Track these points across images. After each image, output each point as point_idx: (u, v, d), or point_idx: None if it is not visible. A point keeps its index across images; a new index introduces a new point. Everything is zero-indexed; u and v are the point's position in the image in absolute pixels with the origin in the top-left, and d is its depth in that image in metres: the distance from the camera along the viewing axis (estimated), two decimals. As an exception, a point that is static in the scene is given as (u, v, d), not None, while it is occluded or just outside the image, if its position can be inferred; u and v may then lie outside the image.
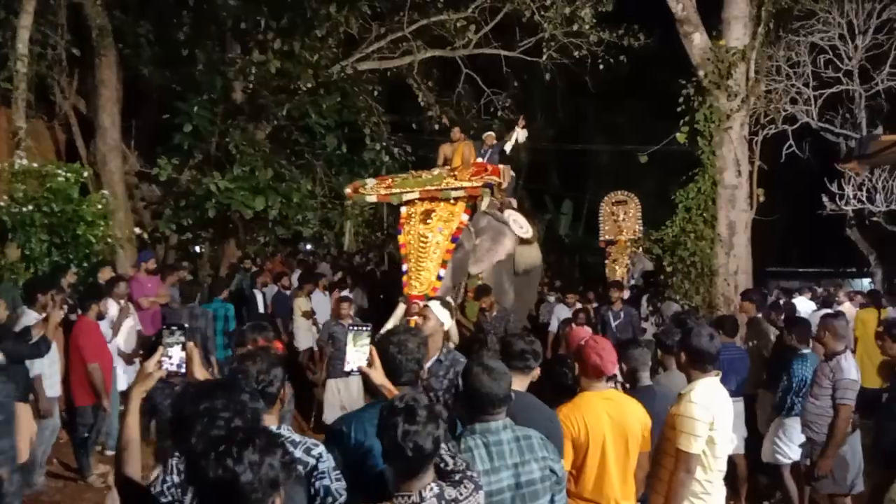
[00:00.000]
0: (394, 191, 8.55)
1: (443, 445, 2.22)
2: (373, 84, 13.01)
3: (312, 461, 2.49)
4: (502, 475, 2.59)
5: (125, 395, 4.24)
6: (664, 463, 3.43)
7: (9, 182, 7.63)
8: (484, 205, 8.34)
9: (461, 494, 2.20)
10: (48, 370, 5.51)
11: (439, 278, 7.71)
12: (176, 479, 2.14)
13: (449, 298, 6.80)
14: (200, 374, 2.54)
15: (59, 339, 5.87)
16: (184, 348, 2.54)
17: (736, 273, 8.57)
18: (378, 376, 2.72)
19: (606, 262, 15.29)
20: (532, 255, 9.04)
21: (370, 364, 2.75)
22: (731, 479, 4.38)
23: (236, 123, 11.12)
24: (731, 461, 4.07)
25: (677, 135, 8.76)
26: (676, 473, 3.33)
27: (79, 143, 10.39)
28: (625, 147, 16.41)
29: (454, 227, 8.04)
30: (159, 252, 11.31)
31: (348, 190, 9.09)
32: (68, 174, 7.82)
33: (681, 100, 8.78)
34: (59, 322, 5.68)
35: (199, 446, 1.64)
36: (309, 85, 11.10)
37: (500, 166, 9.15)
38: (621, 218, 15.76)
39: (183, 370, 2.50)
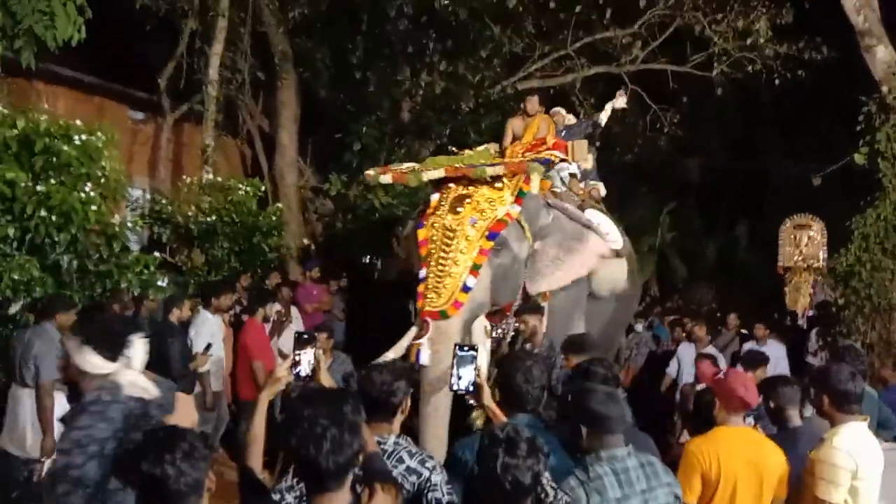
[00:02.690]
0: (417, 169, 6.43)
1: (544, 477, 2.22)
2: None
3: (426, 472, 2.57)
4: (632, 502, 2.56)
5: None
6: (802, 511, 3.23)
7: (197, 194, 8.50)
8: (533, 186, 6.07)
9: None
10: (213, 367, 6.07)
11: (466, 289, 5.43)
12: (290, 481, 2.34)
13: (482, 323, 5.47)
14: (326, 381, 2.74)
15: (228, 338, 6.49)
16: (314, 356, 2.75)
17: (916, 308, 7.74)
18: (485, 398, 2.78)
19: (786, 289, 14.31)
20: (619, 275, 6.62)
21: (478, 386, 2.81)
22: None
23: (402, 142, 11.64)
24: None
25: (855, 156, 8.09)
26: (815, 522, 3.12)
27: (260, 159, 11.34)
28: (803, 166, 15.33)
29: (494, 220, 5.73)
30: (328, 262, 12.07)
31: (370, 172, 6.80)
32: (248, 188, 8.60)
33: (861, 118, 8.13)
34: (230, 321, 6.31)
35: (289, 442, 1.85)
36: (471, 104, 11.39)
37: (571, 142, 6.97)
38: (803, 243, 14.69)
39: (311, 376, 2.72)
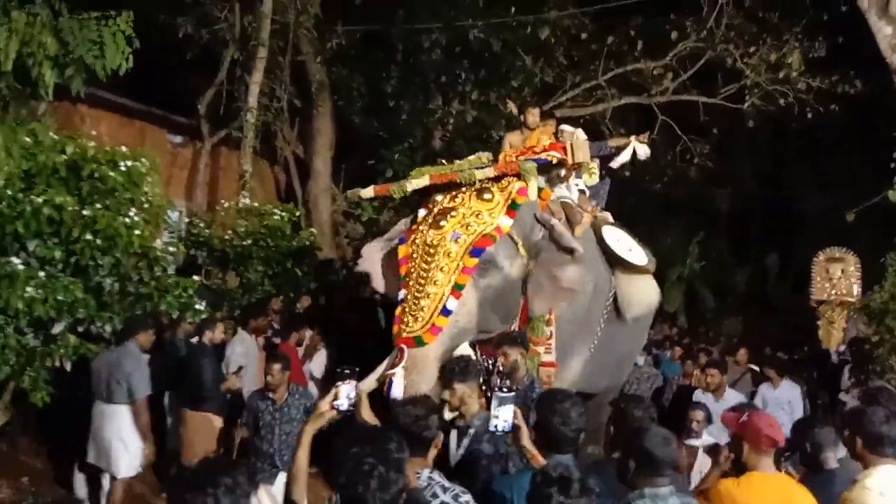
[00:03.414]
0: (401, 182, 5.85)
1: None
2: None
3: None
4: None
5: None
6: (835, 554, 3.21)
7: (234, 218, 8.67)
8: (532, 192, 5.36)
9: None
10: (248, 388, 6.18)
11: (445, 312, 4.83)
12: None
13: (466, 352, 4.75)
14: (368, 416, 2.81)
15: (260, 360, 6.60)
16: (355, 390, 2.81)
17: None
18: (524, 439, 2.80)
19: (819, 323, 14.07)
20: (649, 293, 6.12)
21: (517, 427, 2.84)
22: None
23: (433, 170, 11.76)
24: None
25: (889, 193, 8.02)
26: (846, 566, 3.11)
27: (295, 184, 11.54)
28: (834, 200, 15.21)
29: (479, 234, 5.06)
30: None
31: (352, 191, 6.52)
32: (283, 213, 8.75)
33: (895, 154, 8.08)
34: (263, 345, 6.43)
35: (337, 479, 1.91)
36: (502, 133, 11.51)
37: (570, 143, 5.95)
38: (837, 276, 14.46)
39: (352, 410, 2.78)
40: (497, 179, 5.44)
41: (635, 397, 4.24)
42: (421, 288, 4.95)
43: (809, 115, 12.03)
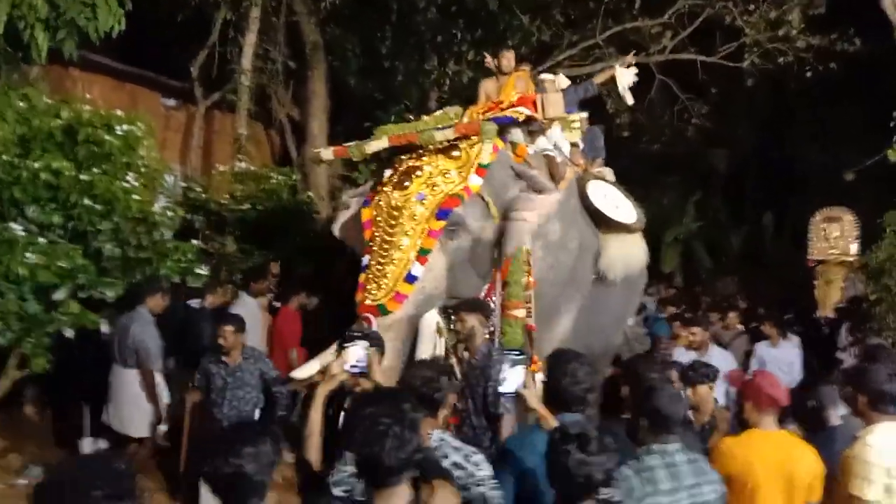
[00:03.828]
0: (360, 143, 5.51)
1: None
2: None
3: (471, 468, 2.64)
4: (680, 496, 2.66)
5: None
6: (837, 509, 3.27)
7: (230, 183, 8.62)
8: (485, 155, 4.96)
9: None
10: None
11: (410, 279, 4.63)
12: (349, 468, 2.42)
13: (434, 319, 4.71)
14: (380, 378, 2.82)
15: (265, 323, 6.63)
16: (365, 352, 2.83)
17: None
18: (534, 400, 2.83)
19: (816, 282, 14.12)
20: (635, 253, 5.86)
21: (525, 387, 2.86)
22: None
23: (429, 131, 11.67)
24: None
25: (889, 152, 7.98)
26: (849, 519, 3.17)
27: (291, 147, 11.44)
28: (833, 158, 15.18)
29: (446, 194, 4.81)
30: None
31: (314, 152, 6.45)
32: (280, 177, 8.70)
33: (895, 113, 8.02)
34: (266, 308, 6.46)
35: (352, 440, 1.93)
36: (499, 94, 11.41)
37: (541, 96, 5.69)
38: (834, 236, 14.48)
39: (365, 372, 2.80)
40: (460, 139, 5.07)
41: (648, 358, 4.23)
42: (385, 254, 4.71)
43: (809, 74, 11.93)
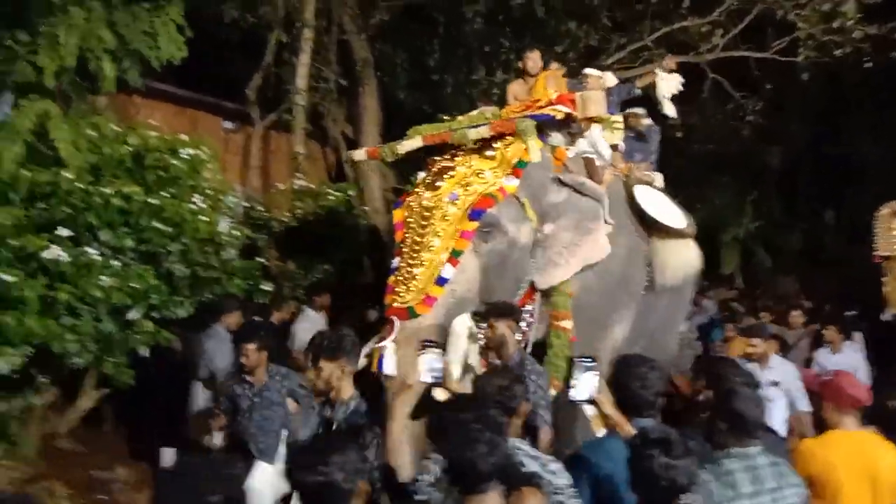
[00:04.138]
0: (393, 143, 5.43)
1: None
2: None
3: (549, 476, 2.64)
4: (763, 499, 2.62)
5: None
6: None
7: (289, 201, 8.81)
8: (533, 154, 4.73)
9: None
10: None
11: (441, 282, 4.44)
12: (432, 476, 2.47)
13: (465, 324, 4.42)
14: (455, 386, 2.86)
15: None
16: (440, 362, 2.87)
17: None
18: (608, 406, 2.82)
19: (884, 279, 13.61)
20: (688, 258, 5.64)
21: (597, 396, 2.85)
22: None
23: (480, 142, 11.72)
24: None
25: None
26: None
27: (345, 163, 11.62)
28: (892, 152, 14.72)
29: (479, 194, 4.63)
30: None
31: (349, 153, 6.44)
32: (337, 193, 8.86)
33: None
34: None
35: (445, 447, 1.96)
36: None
37: (580, 94, 5.36)
38: (901, 231, 13.96)
39: (439, 381, 2.83)
40: (496, 139, 4.89)
41: (731, 361, 4.10)
42: (415, 255, 4.53)
43: (866, 65, 11.59)
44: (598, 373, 2.87)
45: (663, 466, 2.14)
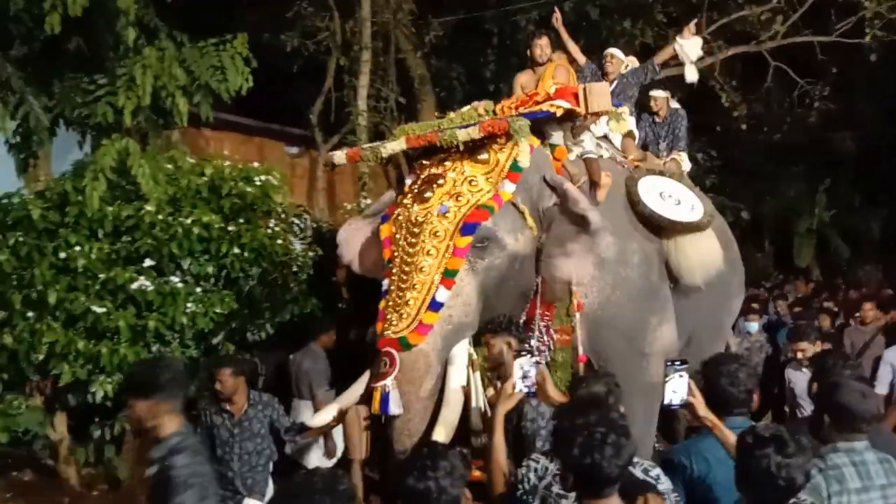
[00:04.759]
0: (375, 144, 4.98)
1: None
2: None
3: (652, 482, 2.61)
4: (872, 495, 2.56)
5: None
6: None
7: (357, 220, 8.95)
8: (522, 160, 4.24)
9: None
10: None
11: (434, 306, 3.91)
12: (529, 483, 2.48)
13: (465, 350, 4.08)
14: (555, 395, 2.85)
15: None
16: (533, 367, 2.87)
17: None
18: (702, 408, 2.77)
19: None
20: (710, 252, 4.96)
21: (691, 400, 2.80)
22: None
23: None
24: None
25: None
26: None
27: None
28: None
29: (472, 205, 4.11)
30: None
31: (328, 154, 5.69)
32: (400, 209, 8.96)
33: None
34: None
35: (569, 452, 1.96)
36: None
37: (584, 86, 4.60)
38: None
39: (534, 391, 2.83)
40: (487, 139, 4.32)
41: (843, 355, 3.92)
42: (406, 277, 3.97)
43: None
44: (689, 375, 2.82)
45: (779, 465, 2.08)
